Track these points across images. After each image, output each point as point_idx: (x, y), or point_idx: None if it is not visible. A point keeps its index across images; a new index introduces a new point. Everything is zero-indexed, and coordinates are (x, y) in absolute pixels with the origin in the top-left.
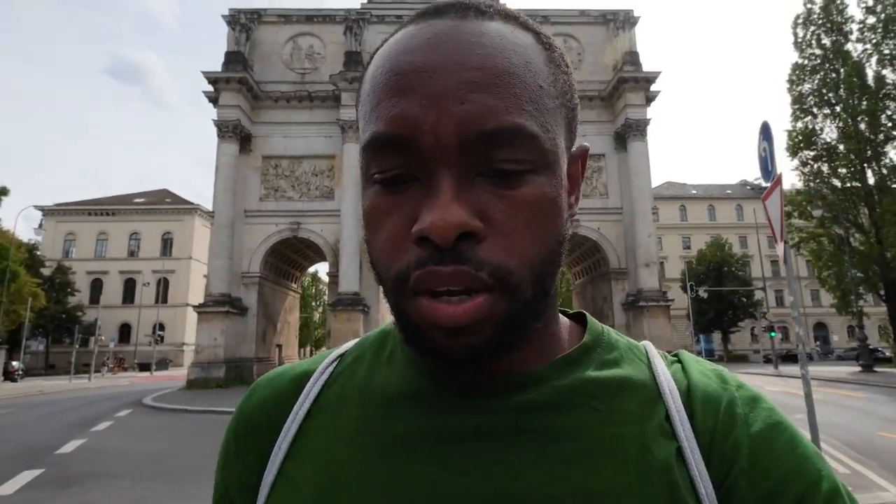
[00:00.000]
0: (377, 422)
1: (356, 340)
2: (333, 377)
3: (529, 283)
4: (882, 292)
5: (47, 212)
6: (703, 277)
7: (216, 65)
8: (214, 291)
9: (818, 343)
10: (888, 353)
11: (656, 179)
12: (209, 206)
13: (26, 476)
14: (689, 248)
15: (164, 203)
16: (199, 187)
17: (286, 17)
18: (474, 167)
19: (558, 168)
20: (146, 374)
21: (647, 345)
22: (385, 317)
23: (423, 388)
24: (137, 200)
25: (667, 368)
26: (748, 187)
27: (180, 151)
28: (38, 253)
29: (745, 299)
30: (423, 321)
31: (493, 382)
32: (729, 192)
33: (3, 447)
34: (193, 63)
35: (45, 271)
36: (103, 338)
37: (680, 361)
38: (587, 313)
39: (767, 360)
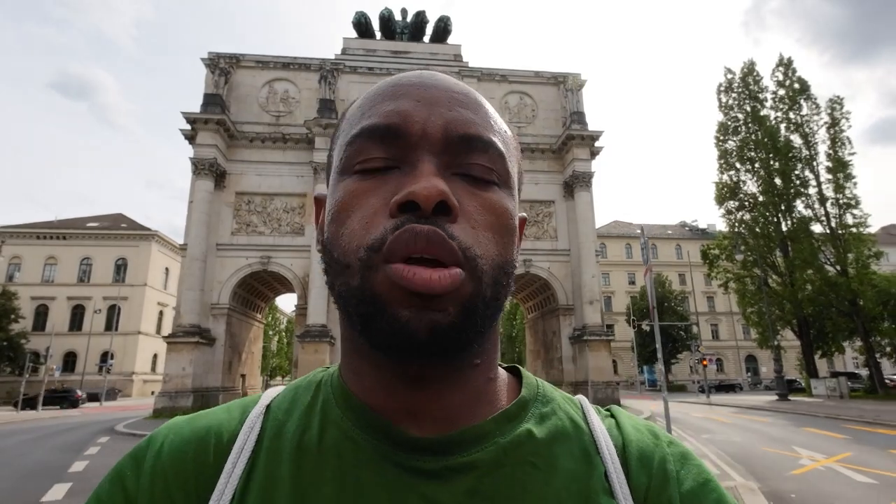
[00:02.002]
0: (311, 483)
1: (279, 389)
2: (261, 433)
3: (490, 280)
4: (796, 329)
5: None
6: (645, 312)
7: (173, 89)
8: (185, 322)
9: (749, 374)
10: (804, 384)
11: (605, 218)
12: (165, 231)
13: (61, 488)
14: (633, 283)
15: (119, 228)
16: (150, 210)
17: (264, 63)
18: (452, 166)
19: (515, 195)
20: (95, 404)
21: (582, 399)
22: None
23: (361, 440)
24: (91, 225)
25: (601, 423)
26: (686, 228)
27: (131, 172)
28: None
29: (683, 333)
30: (393, 288)
31: (437, 437)
32: (670, 232)
33: (13, 468)
34: (147, 84)
35: None
36: (54, 367)
37: (613, 416)
38: (521, 367)
39: (702, 390)
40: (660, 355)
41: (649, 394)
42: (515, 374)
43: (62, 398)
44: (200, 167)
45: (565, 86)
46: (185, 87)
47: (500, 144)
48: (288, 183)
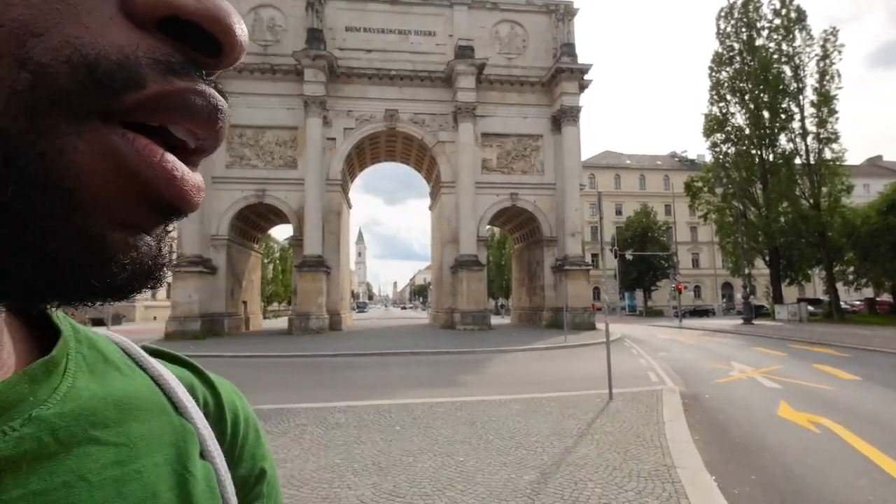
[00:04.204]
0: None
1: None
2: None
3: None
4: (767, 258)
5: None
6: (629, 241)
7: None
8: (187, 252)
9: (724, 300)
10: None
11: (595, 149)
12: None
13: None
14: (620, 213)
15: None
16: None
17: None
18: None
19: None
20: (102, 328)
21: (121, 339)
22: (344, 278)
23: None
24: None
25: (166, 370)
26: (676, 159)
27: None
28: None
29: (664, 262)
30: (116, 176)
31: None
32: (659, 163)
33: None
34: None
35: None
36: None
37: (162, 354)
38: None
39: (677, 315)
40: (607, 288)
41: (628, 318)
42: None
43: None
44: None
45: (556, 15)
46: None
47: None
48: (278, 115)
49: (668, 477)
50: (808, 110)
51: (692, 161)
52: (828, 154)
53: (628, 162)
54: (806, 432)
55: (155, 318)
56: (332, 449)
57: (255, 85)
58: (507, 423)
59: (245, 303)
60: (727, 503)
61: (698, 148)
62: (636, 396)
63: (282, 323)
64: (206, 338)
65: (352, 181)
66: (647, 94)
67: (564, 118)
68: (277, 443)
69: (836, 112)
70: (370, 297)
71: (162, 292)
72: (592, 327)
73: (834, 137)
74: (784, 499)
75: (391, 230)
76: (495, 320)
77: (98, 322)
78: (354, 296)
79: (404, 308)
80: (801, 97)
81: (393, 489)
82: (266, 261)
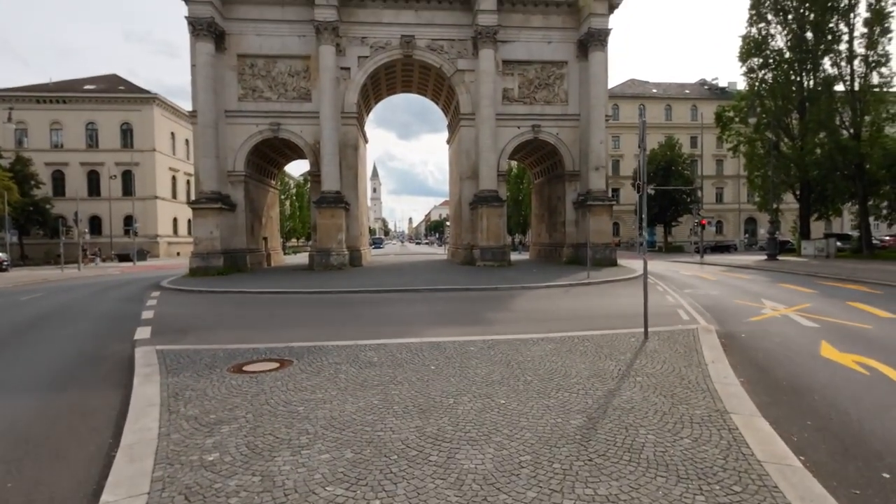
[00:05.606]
0: None
1: None
2: None
3: None
4: (797, 192)
5: None
6: (651, 176)
7: None
8: (206, 189)
9: (747, 235)
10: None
11: (620, 77)
12: (159, 90)
13: (144, 330)
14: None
15: (117, 91)
16: (136, 67)
17: None
18: None
19: None
20: (128, 264)
21: None
22: (363, 214)
23: None
24: (88, 87)
25: None
26: (706, 87)
27: (109, 23)
28: None
29: (686, 196)
30: None
31: None
32: (687, 91)
33: (96, 315)
34: None
35: (2, 162)
36: (86, 231)
37: None
38: None
39: (698, 251)
40: (643, 224)
41: (647, 254)
42: None
43: None
44: (198, 27)
45: None
46: None
47: None
48: (290, 43)
49: (722, 423)
50: (859, 30)
51: (723, 89)
52: (875, 79)
53: (654, 91)
54: (855, 374)
55: (178, 253)
56: (368, 389)
57: (264, 10)
58: (543, 364)
59: (265, 239)
60: (790, 451)
61: (731, 75)
62: (671, 335)
63: (302, 258)
64: (230, 273)
65: (367, 114)
66: (676, 17)
67: (592, 42)
68: (313, 382)
69: (889, 32)
70: (386, 233)
71: (184, 228)
72: (614, 263)
73: (884, 60)
74: (847, 446)
75: (406, 165)
76: (513, 256)
77: (124, 258)
78: (371, 232)
79: (419, 244)
80: (851, 15)
81: (437, 433)
82: (283, 197)
